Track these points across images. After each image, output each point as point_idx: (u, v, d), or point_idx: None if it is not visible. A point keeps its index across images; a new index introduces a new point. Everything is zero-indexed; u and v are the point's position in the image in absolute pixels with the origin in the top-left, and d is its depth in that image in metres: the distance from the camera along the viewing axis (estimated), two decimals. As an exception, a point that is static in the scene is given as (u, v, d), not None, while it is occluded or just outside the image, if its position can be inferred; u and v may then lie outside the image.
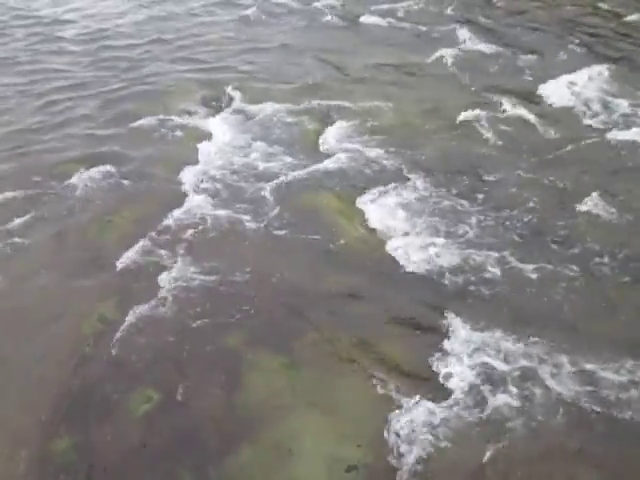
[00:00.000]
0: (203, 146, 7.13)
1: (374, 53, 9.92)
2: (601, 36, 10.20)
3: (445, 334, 4.48)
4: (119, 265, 5.31)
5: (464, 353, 4.29)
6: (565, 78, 8.41)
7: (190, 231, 5.64)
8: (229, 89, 8.64)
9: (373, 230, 5.63)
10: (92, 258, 5.47)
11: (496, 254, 5.21)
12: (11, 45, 11.26)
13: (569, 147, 6.87)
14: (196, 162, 6.82)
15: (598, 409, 3.91)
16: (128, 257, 5.37)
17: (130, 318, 4.72)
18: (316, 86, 8.73)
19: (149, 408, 4.08)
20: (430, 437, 3.76)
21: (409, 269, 5.15)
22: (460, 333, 4.46)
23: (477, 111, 7.56)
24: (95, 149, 7.26)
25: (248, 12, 12.15)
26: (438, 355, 4.32)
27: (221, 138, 7.30)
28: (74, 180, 6.48)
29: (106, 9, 13.26)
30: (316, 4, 12.57)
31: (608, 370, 4.14)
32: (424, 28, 10.95)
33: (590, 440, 3.79)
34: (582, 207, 5.82)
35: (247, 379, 4.25)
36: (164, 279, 5.07)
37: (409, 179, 6.28)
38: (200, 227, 5.69)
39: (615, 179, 6.26)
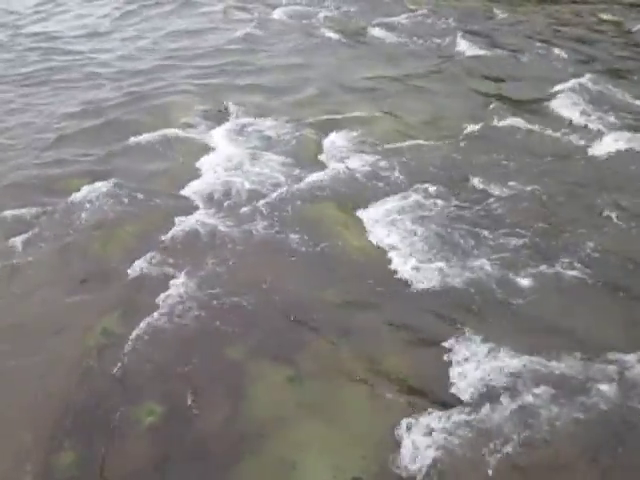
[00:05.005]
0: (205, 159, 7.15)
1: (374, 65, 9.99)
2: (602, 47, 10.26)
3: (450, 346, 4.45)
4: (122, 279, 5.30)
5: (470, 365, 4.26)
6: (566, 87, 8.45)
7: (192, 244, 5.64)
8: (230, 103, 8.67)
9: (375, 241, 5.62)
10: (95, 272, 5.47)
11: (501, 265, 5.19)
12: (8, 61, 11.36)
13: (571, 156, 6.89)
14: (198, 175, 6.84)
15: (607, 417, 3.88)
16: (131, 271, 5.36)
17: (133, 332, 4.70)
18: (316, 98, 8.78)
19: (153, 421, 4.06)
20: (435, 448, 3.72)
21: (412, 280, 5.13)
22: (465, 345, 4.43)
23: (478, 121, 7.59)
24: (96, 164, 7.28)
25: (248, 29, 12.21)
26: (443, 367, 4.29)
27: (222, 151, 7.32)
28: (76, 195, 6.48)
29: (105, 25, 13.36)
30: (316, 18, 12.66)
31: (617, 378, 4.12)
32: (424, 40, 11.02)
33: (599, 448, 3.77)
34: (588, 216, 5.81)
35: (250, 391, 4.23)
36: (167, 292, 5.05)
37: (411, 190, 6.28)
38: (201, 240, 5.69)
39: (619, 188, 6.27)
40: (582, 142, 7.15)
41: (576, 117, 7.71)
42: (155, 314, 4.83)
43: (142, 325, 4.74)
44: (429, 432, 3.82)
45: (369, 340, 4.62)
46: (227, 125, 8.04)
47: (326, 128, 7.77)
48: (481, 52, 10.19)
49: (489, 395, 4.03)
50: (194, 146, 7.56)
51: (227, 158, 7.13)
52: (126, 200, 6.39)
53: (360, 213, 6.02)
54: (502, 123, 7.61)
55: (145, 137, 7.74)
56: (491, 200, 6.10)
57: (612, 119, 7.59)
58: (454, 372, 4.24)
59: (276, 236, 5.74)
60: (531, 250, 5.39)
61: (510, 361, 4.26)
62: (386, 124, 7.86)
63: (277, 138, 7.60)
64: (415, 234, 5.62)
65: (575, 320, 4.70)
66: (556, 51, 10.11)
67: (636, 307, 4.84)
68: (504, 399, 4.00)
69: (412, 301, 4.96)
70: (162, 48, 11.51)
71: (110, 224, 6.06)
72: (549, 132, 7.39)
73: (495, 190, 6.25)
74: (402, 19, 12.25)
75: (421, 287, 5.06)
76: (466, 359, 4.32)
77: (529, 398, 3.99)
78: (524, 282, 5.03)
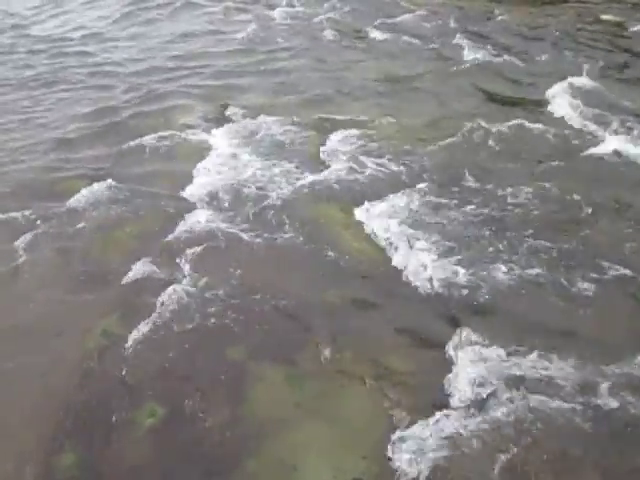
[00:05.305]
0: (205, 161, 7.14)
1: (375, 66, 9.98)
2: (603, 47, 10.24)
3: (452, 347, 4.43)
4: (122, 280, 5.30)
5: (472, 366, 4.24)
6: (567, 88, 8.41)
7: (192, 246, 5.63)
8: (232, 104, 8.68)
9: (375, 242, 5.62)
10: (95, 274, 5.47)
11: (503, 266, 5.17)
12: (11, 62, 11.40)
13: (572, 157, 6.87)
14: (198, 177, 6.84)
15: (607, 419, 3.87)
16: (131, 272, 5.36)
17: (134, 333, 4.70)
18: (317, 100, 8.77)
19: (153, 423, 4.06)
20: (436, 449, 3.71)
21: (412, 281, 5.11)
22: (466, 346, 4.41)
23: (479, 121, 7.55)
24: (97, 166, 7.28)
25: (249, 30, 12.21)
26: (445, 368, 4.28)
27: (222, 152, 7.31)
28: (76, 197, 6.49)
29: (106, 28, 13.39)
30: (317, 19, 12.67)
31: (619, 381, 4.10)
32: (426, 41, 11.01)
33: (597, 449, 3.75)
34: (588, 217, 5.80)
35: (251, 392, 4.23)
36: (167, 294, 5.04)
37: (411, 190, 6.27)
38: (202, 241, 5.68)
39: (620, 189, 6.26)
40: (586, 142, 7.12)
41: (579, 118, 7.68)
42: (155, 315, 4.83)
43: (142, 326, 4.74)
44: (430, 433, 3.81)
45: (370, 340, 4.61)
46: (229, 126, 8.03)
47: (328, 129, 7.75)
48: (483, 53, 10.16)
49: (490, 396, 4.01)
50: (195, 148, 7.56)
51: (229, 159, 7.13)
52: (127, 202, 6.40)
53: (362, 214, 6.00)
54: (504, 124, 7.57)
55: (147, 139, 7.73)
56: (492, 200, 6.09)
57: (615, 120, 7.56)
58: (456, 373, 4.22)
59: (277, 236, 5.74)
60: (537, 250, 5.37)
61: (513, 363, 4.24)
62: (388, 125, 7.84)
63: (279, 139, 7.59)
64: (416, 234, 5.60)
65: (581, 322, 4.68)
66: (558, 51, 10.09)
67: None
68: (506, 401, 3.98)
69: (413, 301, 4.95)
70: (163, 50, 11.53)
71: (111, 226, 6.07)
72: (549, 132, 7.36)
73: (497, 190, 6.23)
74: (403, 20, 12.24)
75: (422, 287, 5.04)
76: (468, 360, 4.29)
77: (531, 400, 3.97)
78: (530, 283, 5.01)
